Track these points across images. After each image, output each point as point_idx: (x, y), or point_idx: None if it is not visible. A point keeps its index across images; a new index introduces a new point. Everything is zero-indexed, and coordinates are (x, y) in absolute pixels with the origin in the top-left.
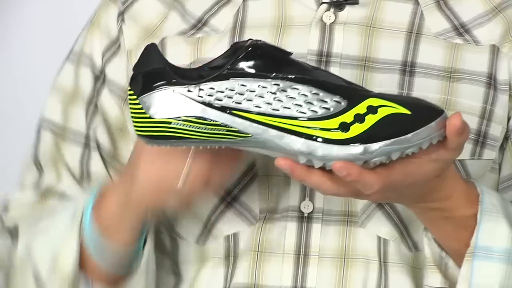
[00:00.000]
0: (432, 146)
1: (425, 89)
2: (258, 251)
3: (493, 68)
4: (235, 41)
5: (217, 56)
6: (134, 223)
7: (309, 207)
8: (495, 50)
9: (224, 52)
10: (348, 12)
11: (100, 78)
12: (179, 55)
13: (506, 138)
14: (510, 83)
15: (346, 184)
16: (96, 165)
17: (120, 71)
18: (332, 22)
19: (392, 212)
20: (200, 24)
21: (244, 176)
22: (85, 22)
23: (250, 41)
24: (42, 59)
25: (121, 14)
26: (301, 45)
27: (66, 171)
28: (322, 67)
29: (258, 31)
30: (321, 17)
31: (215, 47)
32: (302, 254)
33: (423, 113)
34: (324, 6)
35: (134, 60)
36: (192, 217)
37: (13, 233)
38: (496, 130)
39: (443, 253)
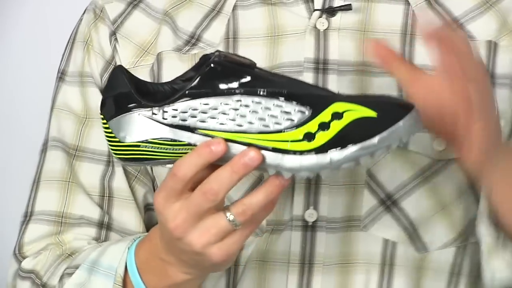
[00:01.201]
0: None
1: None
2: (263, 261)
3: (490, 64)
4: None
5: (188, 69)
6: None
7: (313, 216)
8: (491, 46)
9: (195, 64)
10: (341, 17)
11: None
12: (175, 70)
13: None
14: None
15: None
16: (119, 181)
17: None
18: (326, 29)
19: (401, 214)
20: (193, 39)
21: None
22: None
23: (215, 54)
24: (41, 59)
25: (113, 34)
26: (297, 53)
27: (82, 193)
28: (320, 74)
29: (251, 42)
30: (315, 24)
31: None
32: (307, 263)
33: (390, 113)
34: (317, 13)
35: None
36: None
37: (35, 281)
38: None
39: (501, 235)
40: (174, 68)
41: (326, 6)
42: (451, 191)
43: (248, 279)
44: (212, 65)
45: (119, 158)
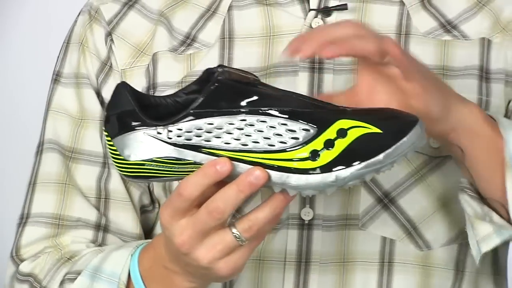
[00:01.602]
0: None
1: None
2: (260, 260)
3: (484, 60)
4: (224, 53)
5: (191, 82)
6: None
7: (309, 214)
8: (485, 43)
9: (198, 78)
10: (336, 17)
11: (100, 96)
12: (170, 70)
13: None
14: (507, 70)
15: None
16: (115, 183)
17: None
18: None
19: (398, 212)
20: (189, 40)
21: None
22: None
23: (219, 70)
24: (41, 59)
25: (108, 35)
26: None
27: (79, 195)
28: (316, 74)
29: (247, 42)
30: (310, 24)
31: (203, 60)
32: (303, 262)
33: (395, 128)
34: (313, 13)
35: (129, 80)
36: None
37: (33, 284)
38: None
39: (485, 207)
40: (169, 68)
41: (322, 6)
42: (449, 187)
43: (245, 278)
44: (216, 84)
45: (124, 175)
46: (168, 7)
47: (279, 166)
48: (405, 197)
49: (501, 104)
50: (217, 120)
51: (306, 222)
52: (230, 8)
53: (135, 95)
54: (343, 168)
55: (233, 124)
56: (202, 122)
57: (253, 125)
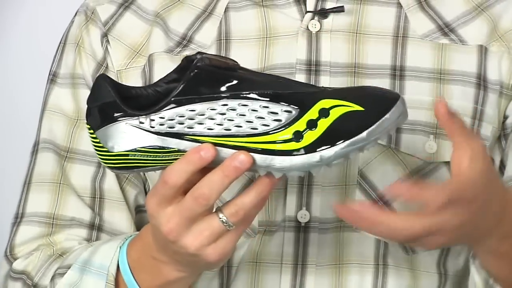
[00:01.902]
0: (454, 155)
1: (417, 91)
2: (256, 263)
3: (481, 68)
4: (220, 55)
5: (170, 72)
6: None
7: (306, 217)
8: (482, 50)
9: (177, 66)
10: (333, 19)
11: None
12: (167, 71)
13: (505, 136)
14: (502, 81)
15: (413, 217)
16: (110, 183)
17: None
18: (318, 31)
19: None
20: (185, 41)
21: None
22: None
23: (198, 57)
24: (41, 59)
25: (104, 36)
26: (289, 55)
27: (73, 195)
28: (312, 76)
29: (243, 43)
30: (307, 26)
31: None
32: (300, 264)
33: (377, 106)
34: (309, 15)
35: (124, 81)
36: None
37: (26, 281)
38: (487, 130)
39: (491, 280)
40: (165, 70)
41: (319, 8)
42: None
43: (241, 281)
44: (196, 70)
45: (108, 167)
46: (164, 8)
47: (263, 149)
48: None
49: (494, 114)
50: (198, 107)
51: (303, 224)
52: (226, 9)
53: (115, 87)
54: (327, 148)
55: (215, 109)
56: (183, 109)
57: (234, 110)
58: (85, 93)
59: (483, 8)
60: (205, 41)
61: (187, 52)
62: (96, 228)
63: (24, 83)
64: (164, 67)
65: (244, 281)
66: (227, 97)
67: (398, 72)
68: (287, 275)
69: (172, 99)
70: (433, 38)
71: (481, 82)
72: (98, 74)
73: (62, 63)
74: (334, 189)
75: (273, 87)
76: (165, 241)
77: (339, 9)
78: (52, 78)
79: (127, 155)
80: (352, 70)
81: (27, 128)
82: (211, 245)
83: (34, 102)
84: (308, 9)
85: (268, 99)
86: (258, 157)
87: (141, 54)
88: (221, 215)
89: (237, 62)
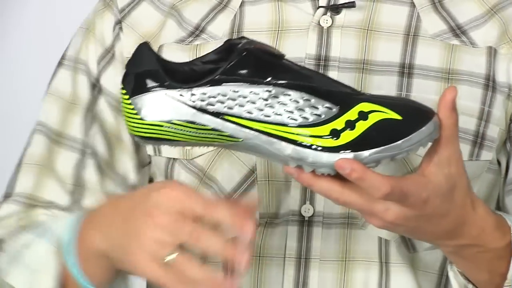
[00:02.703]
0: (430, 149)
1: (424, 90)
2: (259, 256)
3: (491, 70)
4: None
5: (209, 52)
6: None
7: (309, 211)
8: (492, 52)
9: (218, 48)
10: (345, 15)
11: (96, 86)
12: (174, 60)
13: (510, 138)
14: (510, 84)
15: (355, 189)
16: (90, 173)
17: (114, 81)
18: (329, 26)
19: None
20: (197, 31)
21: (243, 181)
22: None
23: (243, 41)
24: (40, 60)
25: (118, 23)
26: (299, 49)
27: (55, 179)
28: (321, 71)
29: (254, 36)
30: (318, 21)
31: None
32: (303, 258)
33: (414, 117)
34: (321, 10)
35: None
36: None
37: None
38: (494, 131)
39: (469, 285)
40: (173, 58)
41: (331, 3)
42: None
43: (246, 275)
44: (245, 52)
45: (136, 135)
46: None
47: (297, 141)
48: None
49: (501, 116)
50: (242, 89)
51: (307, 218)
52: (242, 4)
53: (156, 57)
54: (362, 150)
55: (257, 94)
56: (227, 89)
57: (277, 97)
58: (83, 80)
59: (496, 11)
60: (217, 32)
61: (198, 42)
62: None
63: (24, 84)
64: (173, 57)
65: (248, 275)
66: (273, 84)
67: (406, 70)
68: (290, 269)
69: (217, 77)
70: (444, 38)
71: (490, 83)
72: (103, 60)
73: (71, 45)
74: None
75: (317, 82)
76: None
77: (351, 5)
78: (60, 60)
79: (161, 125)
80: (360, 66)
81: (28, 128)
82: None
83: (34, 103)
84: (320, 4)
85: (311, 92)
86: (291, 148)
87: (152, 44)
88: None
89: (283, 53)
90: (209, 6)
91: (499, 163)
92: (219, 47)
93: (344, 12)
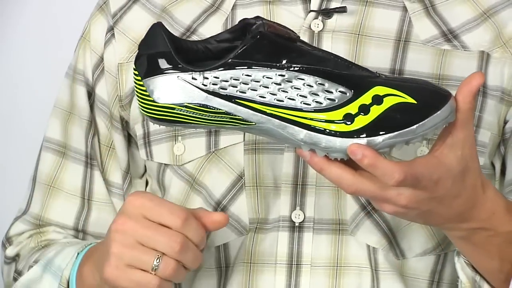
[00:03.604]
0: (444, 131)
1: None
2: (250, 263)
3: None
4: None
5: (224, 30)
6: None
7: (300, 217)
8: (484, 56)
9: (232, 27)
10: (337, 20)
11: (92, 95)
12: None
13: (504, 141)
14: (503, 87)
15: (367, 178)
16: (99, 185)
17: (105, 90)
18: (320, 30)
19: (380, 220)
20: (188, 32)
21: (232, 187)
22: (83, 24)
23: (258, 22)
24: (41, 60)
25: (110, 29)
26: None
27: (63, 199)
28: None
29: None
30: (309, 25)
31: None
32: (294, 264)
33: (429, 101)
34: (312, 14)
35: (125, 75)
36: None
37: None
38: (485, 136)
39: (477, 276)
40: None
41: (322, 8)
42: None
43: (236, 280)
44: (258, 36)
45: (149, 116)
46: (172, 2)
47: (310, 126)
48: None
49: (493, 121)
50: (255, 73)
51: (297, 224)
52: (234, 6)
53: (170, 37)
54: (375, 135)
55: (270, 78)
56: (240, 73)
57: (290, 82)
58: (81, 90)
59: (489, 15)
60: (208, 34)
61: None
62: (81, 232)
63: (24, 84)
64: None
65: (240, 281)
66: (286, 68)
67: (396, 75)
68: (281, 274)
69: (230, 60)
70: (435, 44)
71: (480, 88)
72: (98, 69)
73: (74, 55)
74: (327, 190)
75: (331, 65)
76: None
77: (341, 9)
78: (67, 70)
79: (173, 108)
80: None
81: (26, 128)
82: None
83: (35, 103)
84: (311, 8)
85: (325, 76)
86: (304, 133)
87: None
88: (156, 262)
89: (297, 35)
90: (201, 8)
91: (493, 166)
92: (234, 26)
93: (336, 16)
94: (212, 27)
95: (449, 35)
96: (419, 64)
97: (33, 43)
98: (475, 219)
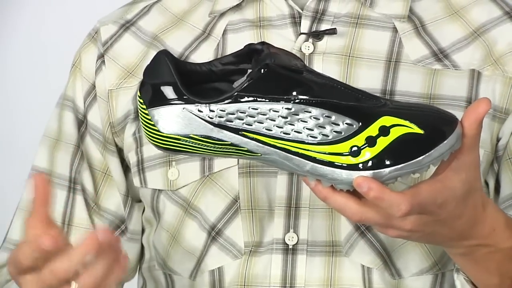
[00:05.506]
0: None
1: None
2: (244, 285)
3: (472, 93)
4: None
5: (228, 54)
6: None
7: (293, 239)
8: (475, 75)
9: (237, 51)
10: (327, 42)
11: (83, 122)
12: None
13: (497, 158)
14: (495, 105)
15: (372, 207)
16: (80, 210)
17: (98, 117)
18: (311, 53)
19: (375, 240)
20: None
21: (227, 210)
22: (83, 26)
23: (264, 52)
24: (41, 61)
25: (101, 57)
26: None
27: None
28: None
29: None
30: (300, 48)
31: None
32: (288, 287)
33: (436, 130)
34: (303, 36)
35: (115, 102)
36: (185, 253)
37: None
38: None
39: None
40: None
41: (313, 30)
42: None
43: None
44: (265, 69)
45: (154, 144)
46: (163, 30)
47: (317, 158)
48: None
49: (486, 138)
50: (261, 106)
51: (291, 247)
52: (225, 32)
53: (175, 64)
54: (382, 167)
55: (277, 111)
56: (246, 106)
57: (297, 115)
58: (69, 116)
59: (479, 34)
60: (200, 61)
61: None
62: None
63: (24, 84)
64: None
65: None
66: (292, 101)
67: (388, 96)
68: None
69: (236, 93)
70: (426, 64)
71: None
72: (90, 96)
73: (66, 83)
74: (321, 212)
75: (337, 97)
76: None
77: (331, 31)
78: (57, 100)
79: (179, 139)
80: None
81: (27, 128)
82: None
83: (35, 103)
84: (302, 31)
85: (332, 109)
86: (310, 165)
87: (134, 74)
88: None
89: (302, 61)
90: (192, 36)
91: (486, 184)
92: (239, 50)
93: (326, 38)
94: (204, 54)
95: (440, 55)
96: (411, 84)
97: (31, 46)
98: (476, 237)
